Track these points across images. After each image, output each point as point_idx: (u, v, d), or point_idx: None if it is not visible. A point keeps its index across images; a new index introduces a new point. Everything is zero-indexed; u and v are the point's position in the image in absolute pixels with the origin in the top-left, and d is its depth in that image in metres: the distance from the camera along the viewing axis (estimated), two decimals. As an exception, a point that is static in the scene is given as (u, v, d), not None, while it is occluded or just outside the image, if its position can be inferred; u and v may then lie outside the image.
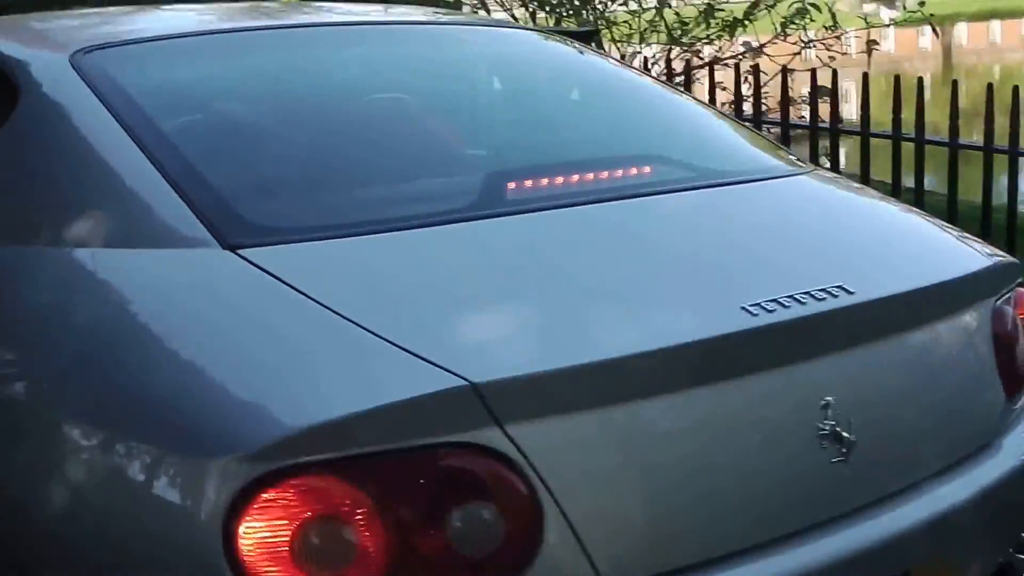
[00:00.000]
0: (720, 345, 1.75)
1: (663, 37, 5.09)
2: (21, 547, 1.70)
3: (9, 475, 1.72)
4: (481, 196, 2.11)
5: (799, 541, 1.80)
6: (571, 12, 5.32)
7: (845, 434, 1.84)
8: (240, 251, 1.75)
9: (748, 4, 5.35)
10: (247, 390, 1.56)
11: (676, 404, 1.71)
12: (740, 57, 5.17)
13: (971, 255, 2.29)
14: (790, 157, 2.70)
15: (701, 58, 5.10)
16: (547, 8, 5.36)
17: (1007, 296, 2.29)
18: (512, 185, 2.18)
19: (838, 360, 1.89)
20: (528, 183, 2.21)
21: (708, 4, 5.09)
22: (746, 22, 5.17)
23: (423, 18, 3.16)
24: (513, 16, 5.58)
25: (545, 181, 2.22)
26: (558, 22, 5.24)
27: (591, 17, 5.29)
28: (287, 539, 1.46)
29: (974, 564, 2.12)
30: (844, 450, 1.84)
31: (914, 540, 1.96)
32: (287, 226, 1.88)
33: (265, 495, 1.45)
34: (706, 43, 5.19)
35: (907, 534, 1.93)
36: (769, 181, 2.45)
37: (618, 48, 5.36)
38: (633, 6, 5.45)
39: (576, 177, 2.25)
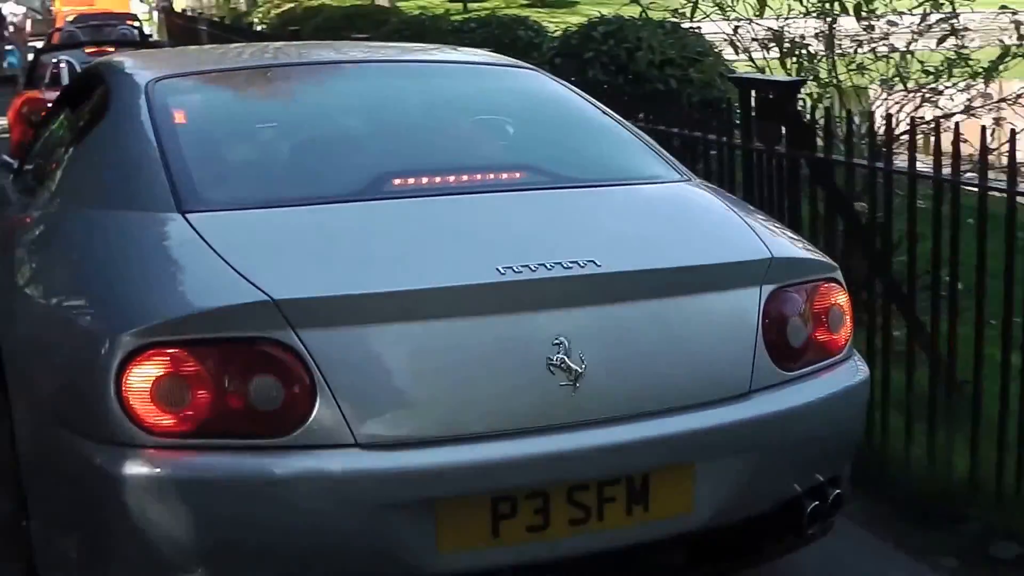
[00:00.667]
0: (465, 291, 2.60)
1: (899, 85, 5.26)
2: None
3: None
4: (365, 187, 3.08)
5: (525, 437, 2.59)
6: (808, 59, 5.53)
7: (574, 366, 2.59)
8: (187, 215, 2.84)
9: (999, 51, 5.34)
10: (143, 293, 2.66)
11: (432, 328, 2.58)
12: (991, 108, 5.20)
13: (750, 250, 2.91)
14: (675, 169, 3.39)
15: (941, 108, 5.19)
16: (785, 54, 5.55)
17: (795, 286, 2.88)
18: (396, 181, 3.12)
19: (579, 312, 2.65)
20: (408, 180, 3.14)
21: (957, 51, 5.17)
22: (997, 70, 5.19)
23: (426, 57, 4.25)
24: (751, 60, 5.90)
25: (425, 180, 3.14)
26: (798, 71, 5.52)
27: (828, 65, 5.48)
28: (148, 387, 2.52)
29: (719, 479, 2.74)
30: (573, 378, 2.60)
31: (649, 450, 2.66)
32: (221, 202, 2.93)
33: (138, 359, 2.53)
34: (950, 91, 5.24)
35: (641, 444, 2.65)
36: (618, 186, 3.20)
37: (859, 100, 5.53)
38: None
39: (451, 177, 3.15)
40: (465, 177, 3.21)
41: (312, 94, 3.78)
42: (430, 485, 2.55)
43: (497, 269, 2.62)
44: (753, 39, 5.80)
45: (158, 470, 2.47)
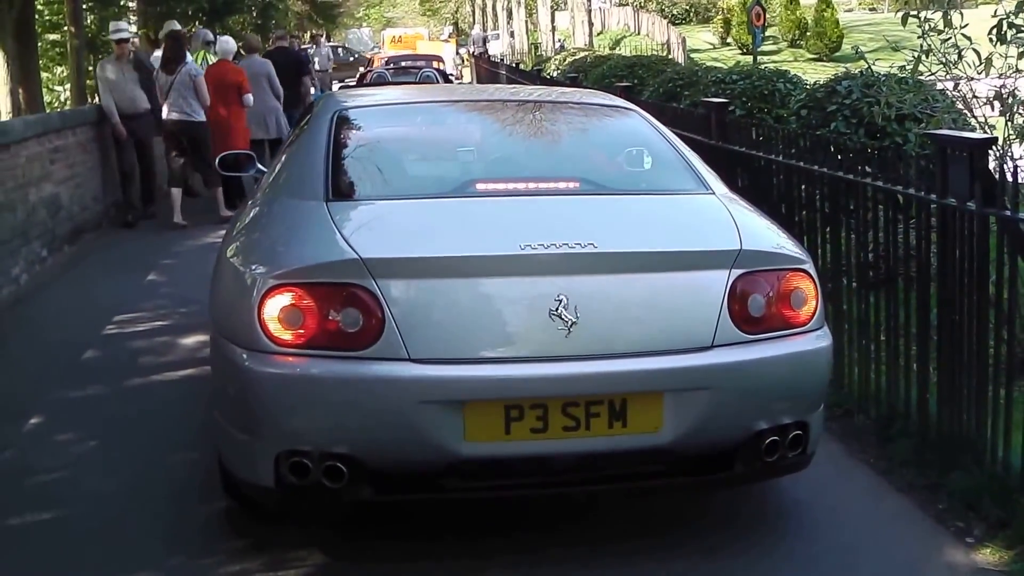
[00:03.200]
0: (494, 259, 3.81)
1: None
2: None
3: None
4: (455, 188, 4.33)
5: (530, 363, 3.74)
6: None
7: (570, 316, 3.75)
8: (328, 203, 4.18)
9: None
10: (284, 251, 3.99)
11: (469, 283, 3.80)
12: None
13: (725, 242, 3.94)
14: (704, 184, 4.42)
15: None
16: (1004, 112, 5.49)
17: (762, 272, 3.90)
18: (479, 185, 4.35)
19: (577, 278, 3.79)
20: (488, 185, 4.36)
21: None
22: None
23: (549, 97, 5.54)
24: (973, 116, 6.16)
25: (499, 185, 4.35)
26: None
27: None
28: (278, 312, 3.86)
29: (684, 408, 3.79)
30: (568, 325, 3.74)
31: (625, 379, 3.75)
32: (350, 196, 4.26)
33: (273, 293, 3.87)
34: None
35: (619, 375, 3.75)
36: (646, 195, 4.32)
37: None
38: None
39: (520, 184, 4.36)
40: (531, 184, 4.41)
41: (442, 123, 5.14)
42: (460, 390, 3.70)
43: (519, 245, 3.80)
44: (974, 96, 6.06)
45: (281, 369, 3.75)
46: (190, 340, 6.98)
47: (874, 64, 7.46)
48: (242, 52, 14.06)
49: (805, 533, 4.21)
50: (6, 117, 14.29)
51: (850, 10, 50.54)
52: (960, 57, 5.95)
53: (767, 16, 26.72)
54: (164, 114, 11.36)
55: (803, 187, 5.85)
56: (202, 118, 11.35)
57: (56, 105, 21.05)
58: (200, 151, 11.38)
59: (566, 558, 3.99)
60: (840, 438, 5.13)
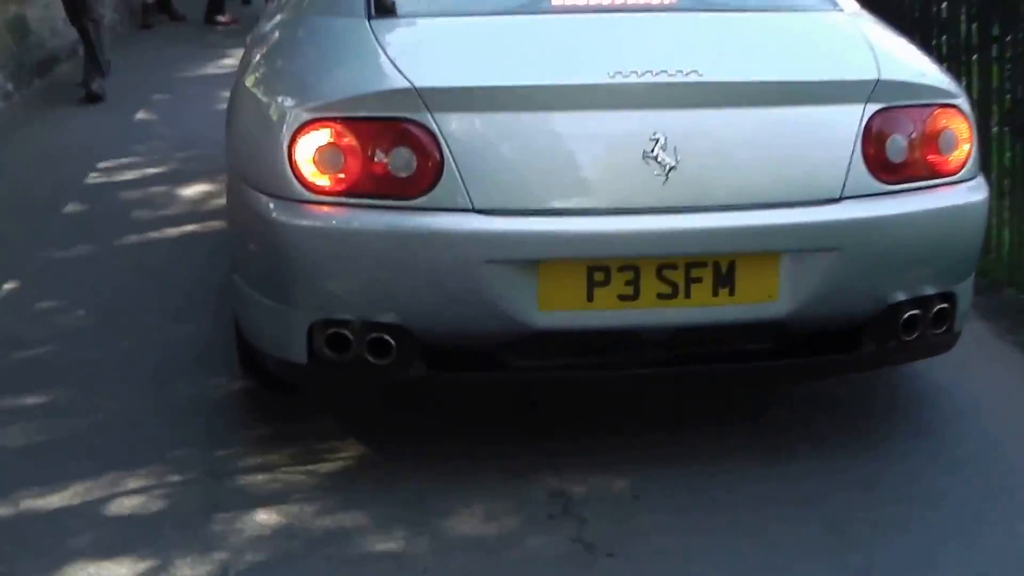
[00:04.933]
0: (577, 89, 3.73)
1: None
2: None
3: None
4: (526, 3, 4.24)
5: (618, 215, 3.69)
6: None
7: (668, 159, 3.68)
8: (371, 20, 4.08)
9: None
10: (319, 79, 3.92)
11: (546, 118, 3.73)
12: None
13: (859, 71, 3.83)
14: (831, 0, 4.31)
15: None
16: None
17: (904, 107, 3.80)
18: (555, 1, 4.23)
19: (677, 113, 3.71)
20: (565, 1, 4.24)
21: None
22: None
23: None
24: None
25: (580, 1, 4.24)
26: None
27: None
28: (312, 153, 3.80)
29: (805, 272, 3.75)
30: (665, 169, 3.67)
31: (734, 237, 3.69)
32: (403, 11, 4.12)
33: (305, 130, 3.83)
34: None
35: (727, 231, 3.69)
36: (761, 13, 4.22)
37: None
38: None
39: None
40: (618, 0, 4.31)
41: None
42: (534, 247, 3.64)
43: (606, 73, 3.71)
44: None
45: (315, 221, 3.71)
46: (192, 190, 7.00)
47: None
48: None
49: (949, 429, 4.19)
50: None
51: None
52: None
53: None
54: None
55: (943, 4, 5.72)
56: None
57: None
58: None
59: (653, 460, 4.01)
60: (986, 315, 5.10)
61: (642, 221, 3.68)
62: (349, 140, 3.70)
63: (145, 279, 5.66)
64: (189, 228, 6.33)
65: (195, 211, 6.53)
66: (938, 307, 3.90)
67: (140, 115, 9.19)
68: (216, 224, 6.01)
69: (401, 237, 3.67)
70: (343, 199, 3.69)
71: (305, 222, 3.70)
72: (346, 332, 3.72)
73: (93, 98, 9.34)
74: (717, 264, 3.71)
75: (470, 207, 3.62)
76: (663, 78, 3.70)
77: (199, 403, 4.43)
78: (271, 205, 3.76)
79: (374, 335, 3.71)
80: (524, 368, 3.80)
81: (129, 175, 7.49)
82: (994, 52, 5.48)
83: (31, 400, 4.49)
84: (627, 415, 4.32)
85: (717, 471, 3.94)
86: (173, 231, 6.35)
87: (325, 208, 3.70)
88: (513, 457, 4.01)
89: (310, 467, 4.00)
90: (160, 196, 6.99)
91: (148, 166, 7.64)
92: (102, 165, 7.65)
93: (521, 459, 4.00)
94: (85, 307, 5.36)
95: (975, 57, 5.51)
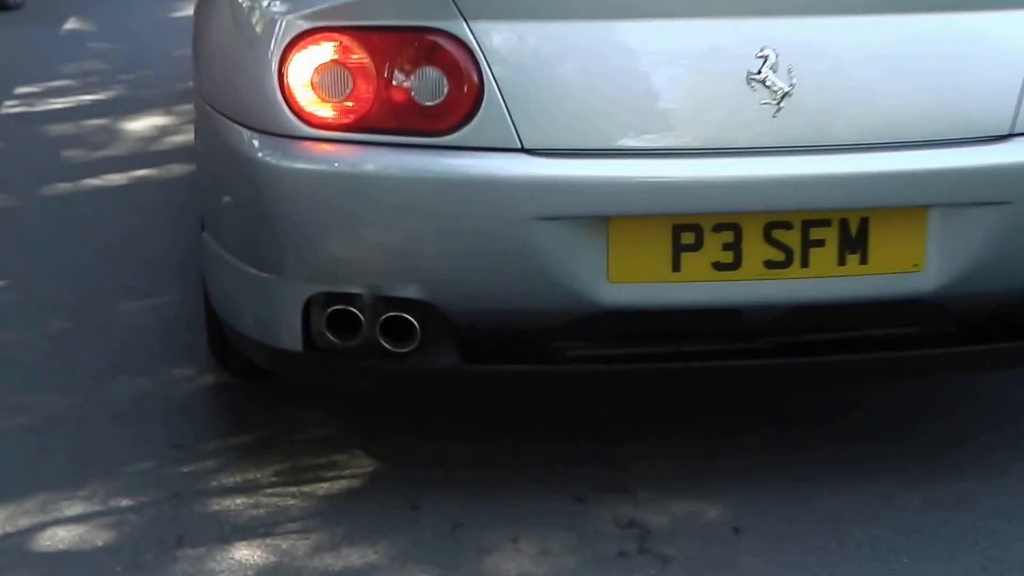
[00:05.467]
0: None
1: None
2: None
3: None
4: None
5: (714, 157, 3.54)
6: None
7: (780, 83, 3.58)
8: None
9: None
10: None
11: (615, 28, 3.59)
12: None
13: None
14: None
15: None
16: None
17: None
18: None
19: (793, 22, 3.55)
20: None
21: None
22: None
23: None
24: None
25: None
26: None
27: None
28: (310, 74, 3.69)
29: (962, 234, 3.63)
30: (777, 96, 3.55)
31: (868, 186, 3.56)
32: None
33: (301, 43, 3.75)
34: None
35: (858, 179, 3.56)
36: None
37: None
38: None
39: None
40: None
41: None
42: (602, 200, 3.51)
43: None
44: None
45: (315, 164, 3.61)
46: (140, 124, 6.97)
47: None
48: None
49: None
50: None
51: None
52: None
53: None
54: None
55: None
56: None
57: None
58: None
59: (757, 482, 4.00)
60: None
61: (745, 165, 3.57)
62: (359, 57, 3.60)
63: (82, 242, 5.63)
64: (139, 174, 6.29)
65: (146, 151, 6.47)
66: None
67: (70, 25, 9.12)
68: (177, 168, 6.02)
69: (427, 185, 3.59)
70: (351, 135, 3.62)
71: (301, 165, 3.63)
72: (354, 310, 3.65)
73: (6, 5, 9.31)
74: (844, 222, 3.61)
75: (518, 146, 3.55)
76: None
77: (157, 403, 4.39)
78: (256, 143, 3.70)
79: (391, 314, 3.64)
80: (586, 360, 3.77)
81: (57, 104, 7.44)
82: None
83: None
84: (721, 422, 4.28)
85: (847, 498, 3.87)
86: (118, 178, 6.30)
87: (327, 147, 3.64)
88: (571, 477, 3.97)
89: (304, 488, 3.97)
90: (99, 132, 6.93)
91: (82, 92, 7.60)
92: (20, 91, 7.62)
93: (582, 480, 3.95)
94: (8, 278, 5.35)
95: None
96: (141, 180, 6.16)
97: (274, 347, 3.80)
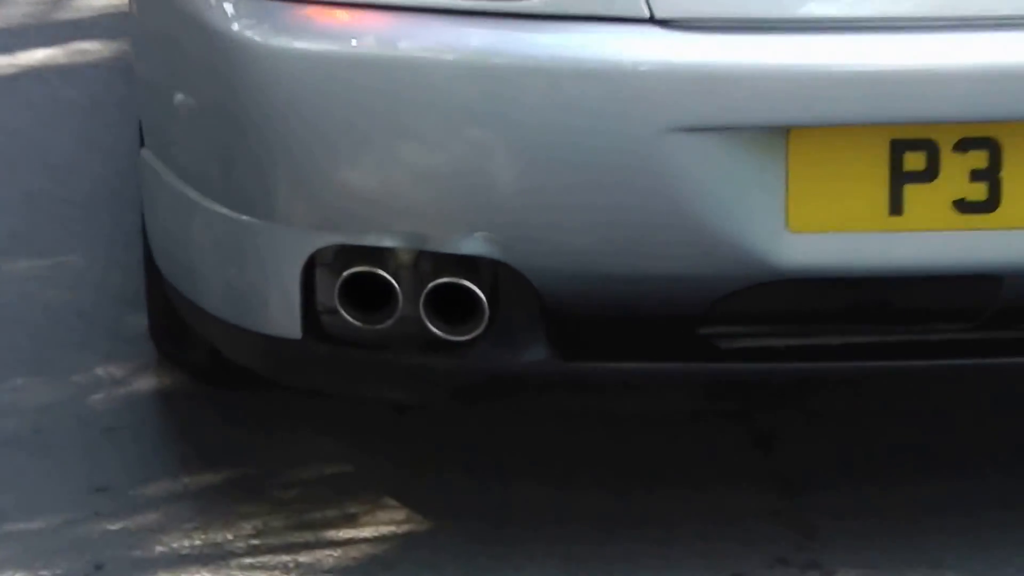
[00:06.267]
0: None
1: None
2: None
3: None
4: None
5: (950, 31, 3.44)
6: None
7: None
8: None
9: None
10: None
11: None
12: None
13: None
14: None
15: None
16: None
17: None
18: None
19: None
20: None
21: None
22: None
23: None
24: None
25: None
26: None
27: None
28: None
29: None
30: None
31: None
32: None
33: None
34: None
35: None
36: None
37: None
38: None
39: None
40: None
41: None
42: (778, 99, 3.39)
43: None
44: None
45: (322, 43, 3.52)
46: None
47: None
48: None
49: None
50: None
51: None
52: None
53: None
54: None
55: None
56: None
57: None
58: None
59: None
60: None
61: (1012, 45, 3.48)
62: None
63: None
64: (38, 55, 6.64)
65: (49, 19, 6.77)
66: None
67: None
68: (98, 48, 6.33)
69: (500, 76, 3.50)
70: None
71: (302, 44, 3.57)
72: (384, 274, 3.59)
73: None
74: None
75: (645, 14, 3.44)
76: None
77: (69, 422, 4.46)
78: (231, 8, 3.65)
79: (442, 280, 3.57)
80: (753, 355, 3.70)
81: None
82: None
83: None
84: (959, 456, 4.30)
85: None
86: (43, 55, 6.62)
87: (342, 15, 3.58)
88: (733, 543, 4.02)
89: (300, 558, 4.00)
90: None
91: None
92: None
93: (752, 546, 4.03)
94: None
95: None
96: (40, 65, 6.31)
97: (256, 332, 3.75)
